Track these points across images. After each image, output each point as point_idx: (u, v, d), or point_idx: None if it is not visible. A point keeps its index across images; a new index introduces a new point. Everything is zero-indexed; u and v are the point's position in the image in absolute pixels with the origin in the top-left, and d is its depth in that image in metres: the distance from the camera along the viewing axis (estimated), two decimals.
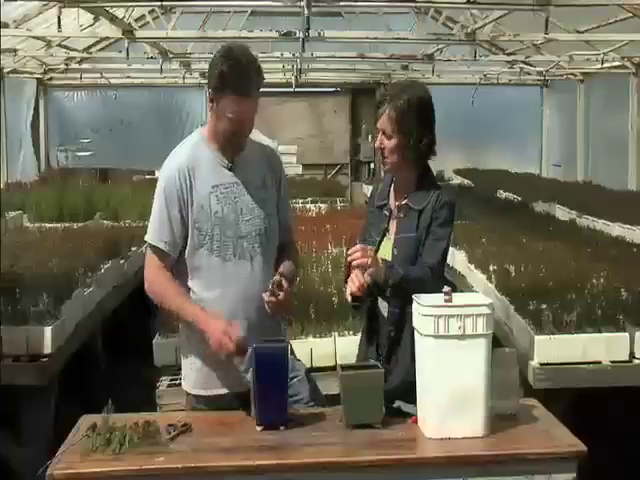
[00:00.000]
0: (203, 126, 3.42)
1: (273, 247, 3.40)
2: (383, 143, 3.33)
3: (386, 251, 3.37)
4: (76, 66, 14.28)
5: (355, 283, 3.21)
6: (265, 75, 3.27)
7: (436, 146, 3.37)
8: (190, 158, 3.28)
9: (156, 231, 3.30)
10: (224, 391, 3.30)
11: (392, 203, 3.43)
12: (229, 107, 3.15)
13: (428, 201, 3.31)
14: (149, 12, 12.32)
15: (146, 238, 3.35)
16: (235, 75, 3.10)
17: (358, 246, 3.23)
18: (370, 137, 16.74)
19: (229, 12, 12.37)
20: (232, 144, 3.26)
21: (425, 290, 3.03)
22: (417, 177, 3.38)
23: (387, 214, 3.43)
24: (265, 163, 3.40)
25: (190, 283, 3.32)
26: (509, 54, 14.00)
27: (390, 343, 3.33)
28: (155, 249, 3.30)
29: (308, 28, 8.70)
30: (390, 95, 3.31)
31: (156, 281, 3.31)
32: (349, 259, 3.21)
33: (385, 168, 3.43)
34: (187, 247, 3.29)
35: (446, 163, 14.40)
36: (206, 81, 3.29)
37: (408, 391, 3.11)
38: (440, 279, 3.25)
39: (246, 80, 3.13)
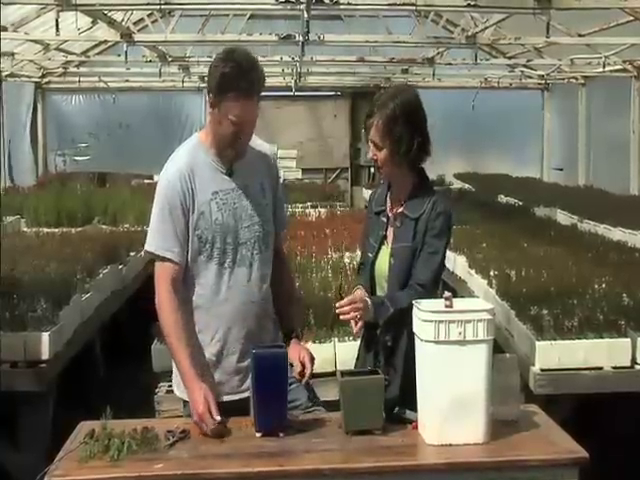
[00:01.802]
0: (201, 130, 3.39)
1: (271, 253, 3.39)
2: (376, 154, 3.33)
3: (384, 259, 3.38)
4: (74, 70, 14.28)
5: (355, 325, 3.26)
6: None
7: (435, 150, 3.37)
8: (189, 163, 3.25)
9: (161, 241, 3.22)
10: (220, 399, 3.25)
11: (389, 210, 3.44)
12: (232, 110, 3.12)
13: (424, 209, 3.31)
14: (148, 15, 12.33)
15: (149, 249, 3.27)
16: (238, 77, 3.09)
17: (346, 299, 3.24)
18: None
19: (228, 15, 12.37)
20: (234, 149, 3.23)
21: None
22: (413, 183, 3.38)
23: (385, 221, 3.43)
24: (263, 168, 3.38)
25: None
26: (510, 57, 14.02)
27: (387, 353, 3.34)
28: (163, 260, 3.22)
29: (308, 31, 8.71)
30: (377, 106, 3.29)
31: (164, 305, 3.20)
32: (338, 312, 3.22)
33: (382, 177, 3.46)
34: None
35: (446, 167, 14.42)
36: (205, 85, 3.28)
37: (407, 401, 3.11)
38: (434, 294, 3.25)
39: (249, 82, 3.12)
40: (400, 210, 3.37)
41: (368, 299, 3.26)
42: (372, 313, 3.22)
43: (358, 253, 6.26)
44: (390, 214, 3.42)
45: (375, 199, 3.54)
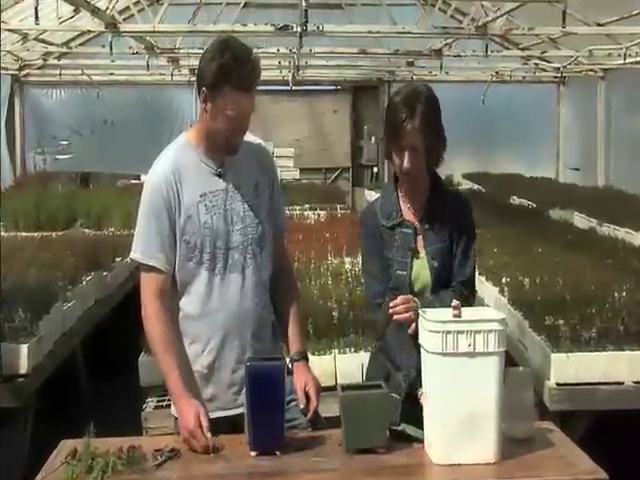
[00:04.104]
0: (188, 130, 3.40)
1: (266, 256, 3.38)
2: (413, 160, 3.28)
3: (422, 267, 3.39)
4: (55, 62, 14.28)
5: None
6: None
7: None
8: (175, 165, 3.26)
9: (145, 247, 3.25)
10: (213, 415, 3.24)
11: (411, 218, 3.43)
12: (229, 103, 3.14)
13: (448, 203, 3.40)
14: (134, 4, 12.29)
15: (133, 256, 3.30)
16: (235, 69, 3.10)
17: (399, 298, 3.24)
18: (373, 139, 16.78)
19: (221, 4, 12.39)
20: (229, 145, 3.24)
21: None
22: (429, 183, 3.43)
23: (410, 232, 3.40)
24: (256, 164, 3.39)
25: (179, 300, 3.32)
26: (523, 49, 14.03)
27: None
28: (148, 268, 3.24)
29: (306, 21, 8.74)
30: (407, 107, 3.24)
31: (150, 315, 3.22)
32: (391, 312, 3.23)
33: (410, 188, 3.41)
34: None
35: (454, 167, 14.40)
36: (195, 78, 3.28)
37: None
38: (475, 291, 3.34)
39: (247, 75, 3.13)
40: (425, 213, 3.40)
41: (417, 299, 3.27)
42: None
43: (359, 258, 6.26)
44: (414, 221, 3.42)
45: (382, 214, 3.47)
